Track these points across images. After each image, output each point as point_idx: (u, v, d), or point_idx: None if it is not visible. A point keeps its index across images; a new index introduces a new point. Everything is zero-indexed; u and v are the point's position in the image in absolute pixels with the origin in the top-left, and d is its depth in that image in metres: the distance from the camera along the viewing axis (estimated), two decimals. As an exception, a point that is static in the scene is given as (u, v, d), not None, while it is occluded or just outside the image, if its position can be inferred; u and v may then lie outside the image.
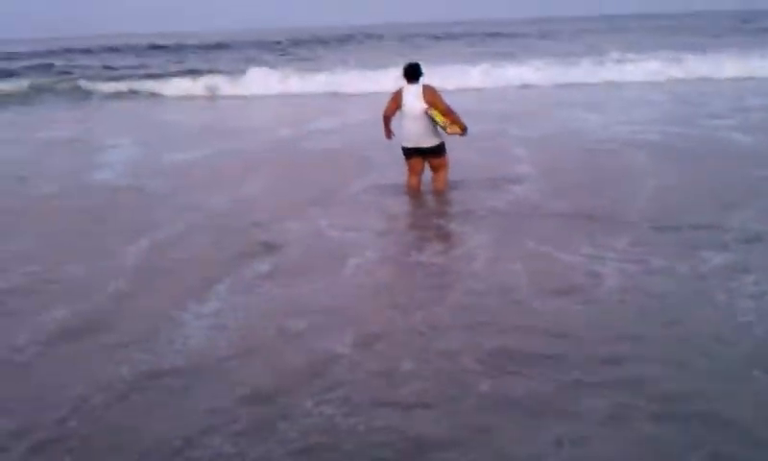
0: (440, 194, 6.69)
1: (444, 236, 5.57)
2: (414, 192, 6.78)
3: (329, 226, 5.75)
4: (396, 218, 6.22)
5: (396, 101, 6.59)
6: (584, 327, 3.64)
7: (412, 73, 6.54)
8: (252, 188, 7.31)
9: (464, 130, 6.54)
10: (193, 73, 20.59)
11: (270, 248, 5.16)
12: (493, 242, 5.14)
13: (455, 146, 6.91)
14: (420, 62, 6.66)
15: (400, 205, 6.58)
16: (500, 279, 4.38)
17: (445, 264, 4.83)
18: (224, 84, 18.18)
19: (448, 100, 6.59)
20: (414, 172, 6.77)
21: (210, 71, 21.03)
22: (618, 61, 18.65)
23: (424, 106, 6.40)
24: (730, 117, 10.60)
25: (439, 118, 6.40)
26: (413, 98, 6.45)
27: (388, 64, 16.79)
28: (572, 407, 2.87)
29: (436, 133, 6.52)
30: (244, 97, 17.25)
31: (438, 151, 6.63)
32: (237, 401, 3.02)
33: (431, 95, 6.45)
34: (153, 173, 8.23)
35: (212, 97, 17.51)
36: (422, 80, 6.59)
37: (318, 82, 17.70)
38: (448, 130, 6.44)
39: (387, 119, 6.76)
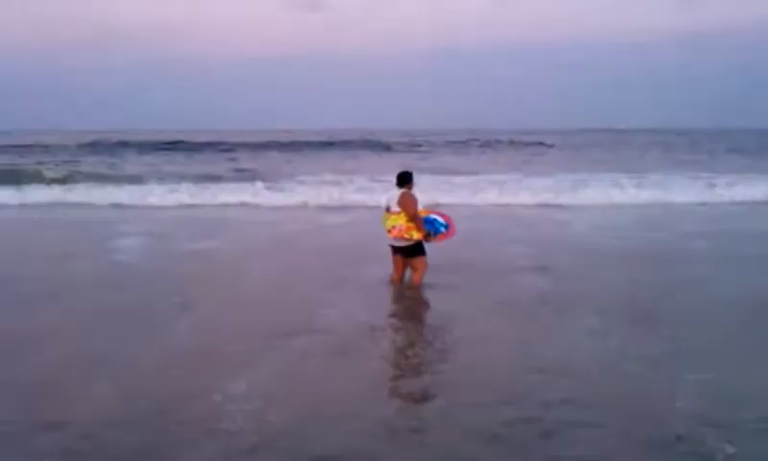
0: (413, 290, 7.36)
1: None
2: (394, 285, 7.52)
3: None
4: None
5: (388, 203, 7.39)
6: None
7: (398, 179, 7.41)
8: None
9: (426, 236, 7.29)
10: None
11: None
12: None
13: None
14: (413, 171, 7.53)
15: (374, 293, 7.32)
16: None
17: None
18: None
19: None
20: (396, 267, 7.56)
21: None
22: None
23: (397, 209, 7.21)
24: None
25: (391, 221, 7.19)
26: (393, 202, 7.30)
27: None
28: None
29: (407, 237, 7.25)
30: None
31: (410, 251, 7.35)
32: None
33: (404, 201, 7.19)
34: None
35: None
36: (414, 186, 7.39)
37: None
38: (394, 232, 7.18)
39: (384, 217, 7.49)
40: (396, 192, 7.33)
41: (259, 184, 18.12)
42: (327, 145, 42.96)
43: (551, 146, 45.51)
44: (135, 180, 19.87)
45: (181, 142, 43.05)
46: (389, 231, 7.31)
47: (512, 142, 48.92)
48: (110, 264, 8.98)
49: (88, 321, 6.29)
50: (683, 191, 16.83)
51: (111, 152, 36.62)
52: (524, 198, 16.05)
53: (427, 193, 12.73)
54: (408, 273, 7.54)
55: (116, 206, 15.69)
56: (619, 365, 5.02)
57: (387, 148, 42.06)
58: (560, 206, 15.17)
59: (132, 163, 28.68)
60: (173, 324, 6.13)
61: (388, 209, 7.35)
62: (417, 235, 7.25)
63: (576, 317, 6.30)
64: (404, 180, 7.38)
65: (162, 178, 20.52)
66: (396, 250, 7.45)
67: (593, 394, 4.47)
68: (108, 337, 5.80)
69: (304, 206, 15.24)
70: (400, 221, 7.21)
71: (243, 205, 15.63)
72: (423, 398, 4.50)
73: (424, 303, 7.05)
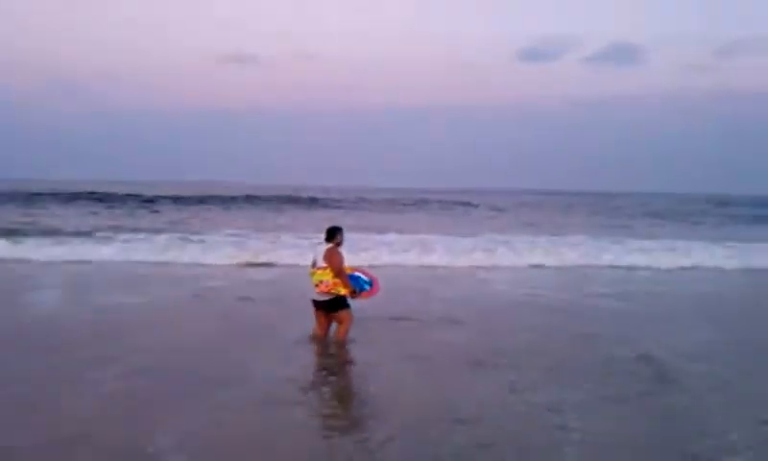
0: (338, 344, 7.50)
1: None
2: (316, 340, 7.63)
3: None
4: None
5: (315, 259, 7.55)
6: None
7: (326, 234, 7.57)
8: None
9: (351, 293, 7.44)
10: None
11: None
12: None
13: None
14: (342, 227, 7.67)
15: (298, 348, 7.45)
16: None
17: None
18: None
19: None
20: (319, 323, 7.66)
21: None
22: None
23: (323, 264, 7.37)
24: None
25: (317, 277, 7.35)
26: (319, 257, 7.46)
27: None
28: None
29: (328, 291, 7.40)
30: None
31: (331, 306, 7.44)
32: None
33: (329, 256, 7.32)
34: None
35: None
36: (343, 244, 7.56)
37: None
38: (321, 288, 7.30)
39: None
40: (324, 247, 7.50)
41: (177, 237, 17.87)
42: (254, 199, 42.70)
43: (476, 206, 47.11)
44: (51, 232, 19.06)
45: (94, 193, 41.49)
46: (316, 286, 7.44)
47: (440, 202, 50.23)
48: (23, 318, 8.66)
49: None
50: (601, 254, 17.56)
51: (27, 202, 34.90)
52: (447, 258, 16.51)
53: (353, 253, 12.94)
54: (333, 327, 7.68)
55: (23, 261, 14.71)
56: (524, 411, 5.43)
57: (313, 203, 42.31)
58: (481, 267, 15.72)
59: (49, 215, 27.43)
60: (96, 377, 6.03)
61: (314, 265, 7.52)
62: (343, 291, 7.41)
63: (491, 369, 6.68)
64: (332, 235, 7.53)
65: (79, 229, 19.83)
66: (318, 305, 7.54)
67: (504, 440, 4.81)
68: (33, 387, 5.69)
69: (230, 261, 15.10)
70: (326, 277, 7.36)
71: (164, 262, 15.18)
72: (341, 448, 4.66)
73: (347, 357, 7.21)
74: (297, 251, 15.46)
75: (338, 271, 7.35)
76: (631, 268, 16.21)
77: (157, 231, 19.95)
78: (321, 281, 7.39)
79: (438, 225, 28.76)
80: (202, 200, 40.28)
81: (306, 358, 7.18)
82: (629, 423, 5.30)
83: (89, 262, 14.54)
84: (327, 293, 7.40)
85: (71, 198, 37.82)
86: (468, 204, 48.98)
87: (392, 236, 20.18)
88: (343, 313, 7.56)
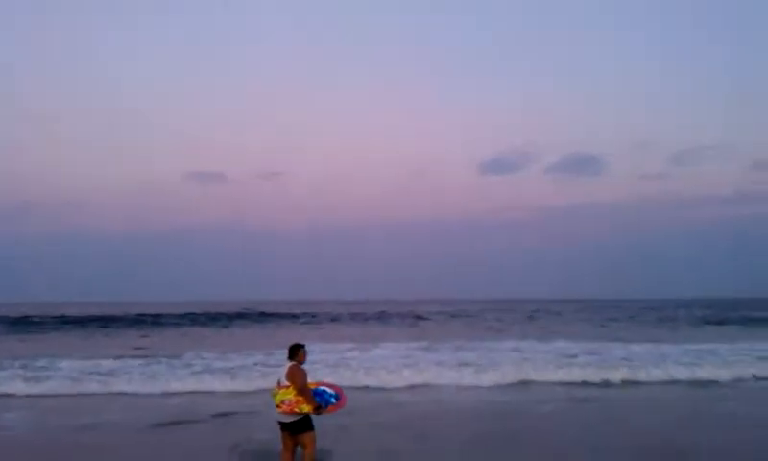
0: None
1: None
2: None
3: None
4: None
5: (279, 379, 7.17)
6: None
7: (289, 352, 7.26)
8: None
9: (316, 409, 7.04)
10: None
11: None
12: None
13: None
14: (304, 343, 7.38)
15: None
16: None
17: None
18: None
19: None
20: (285, 446, 7.15)
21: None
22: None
23: (286, 383, 7.00)
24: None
25: (280, 396, 6.94)
26: (282, 375, 7.10)
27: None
28: None
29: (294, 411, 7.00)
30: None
31: (297, 427, 7.03)
32: None
33: (291, 374, 7.02)
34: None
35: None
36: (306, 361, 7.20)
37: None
38: (284, 407, 6.89)
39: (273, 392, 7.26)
40: (287, 365, 7.19)
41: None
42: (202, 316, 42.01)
43: (426, 319, 46.23)
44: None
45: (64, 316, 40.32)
46: (278, 406, 7.03)
47: (383, 313, 49.77)
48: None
49: None
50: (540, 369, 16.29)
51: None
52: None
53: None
54: (300, 451, 7.21)
55: None
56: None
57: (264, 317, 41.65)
58: (425, 385, 14.81)
59: None
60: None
61: (279, 384, 7.16)
62: (306, 408, 7.02)
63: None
64: (294, 352, 7.26)
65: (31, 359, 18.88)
66: (283, 427, 7.12)
67: None
68: None
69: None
70: (289, 395, 6.99)
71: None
72: None
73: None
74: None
75: (301, 387, 7.01)
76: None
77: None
78: (283, 401, 6.99)
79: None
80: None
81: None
82: None
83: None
84: (293, 412, 7.00)
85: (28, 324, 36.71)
86: (418, 316, 47.74)
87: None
88: (307, 436, 7.10)
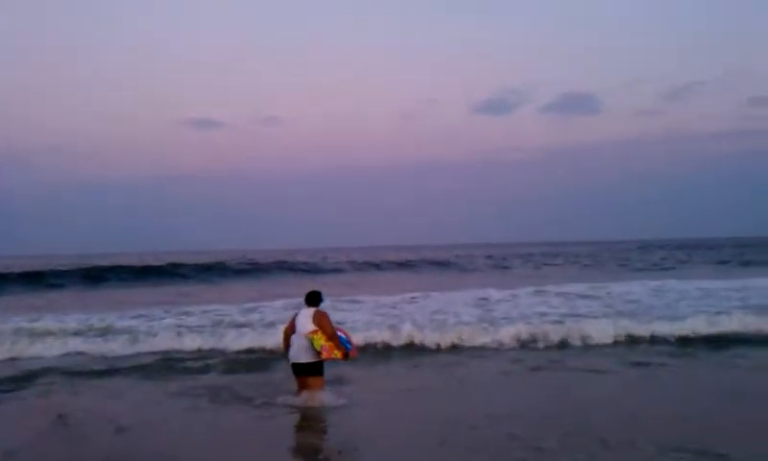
0: (311, 406, 7.27)
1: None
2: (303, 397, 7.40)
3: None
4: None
5: (292, 322, 7.51)
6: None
7: (310, 298, 7.54)
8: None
9: (345, 356, 7.34)
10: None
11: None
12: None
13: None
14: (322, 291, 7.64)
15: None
16: None
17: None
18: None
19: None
20: (299, 385, 7.50)
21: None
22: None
23: (311, 327, 7.24)
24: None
25: (317, 342, 7.16)
26: (304, 319, 7.33)
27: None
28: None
29: (313, 354, 7.27)
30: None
31: (312, 369, 7.32)
32: None
33: (320, 319, 7.27)
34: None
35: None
36: (322, 306, 7.55)
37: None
38: (324, 354, 7.15)
39: (285, 334, 7.61)
40: (308, 311, 7.42)
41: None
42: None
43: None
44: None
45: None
46: (319, 353, 7.23)
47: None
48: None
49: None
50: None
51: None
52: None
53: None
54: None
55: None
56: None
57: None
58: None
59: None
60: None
61: (292, 329, 7.41)
62: (338, 354, 7.31)
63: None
64: (315, 299, 7.52)
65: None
66: (298, 369, 7.42)
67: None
68: None
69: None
70: (323, 341, 7.20)
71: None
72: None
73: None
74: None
75: (331, 333, 7.32)
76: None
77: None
78: (322, 347, 7.23)
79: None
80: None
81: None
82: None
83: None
84: (330, 358, 7.29)
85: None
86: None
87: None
88: (317, 378, 7.42)
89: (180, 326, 13.67)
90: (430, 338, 11.82)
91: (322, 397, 7.39)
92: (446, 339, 11.77)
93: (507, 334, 11.95)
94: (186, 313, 15.61)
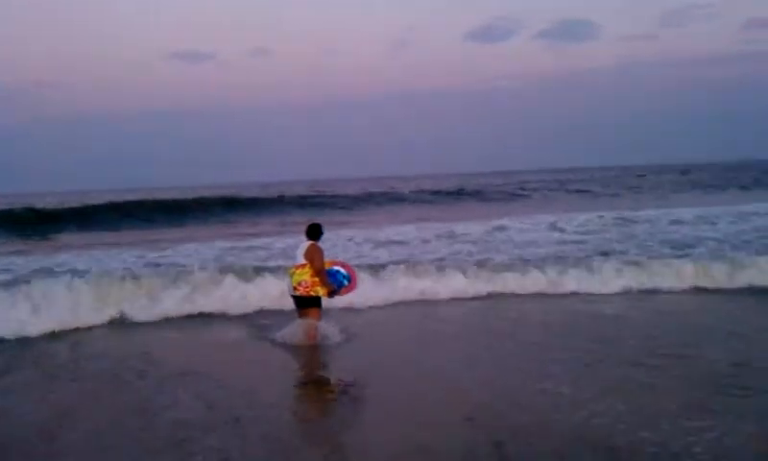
0: (311, 343, 7.17)
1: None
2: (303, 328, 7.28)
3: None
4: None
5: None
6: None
7: (308, 231, 7.39)
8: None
9: (332, 293, 7.23)
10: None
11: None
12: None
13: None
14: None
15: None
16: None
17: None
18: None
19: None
20: (300, 314, 7.36)
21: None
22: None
23: (301, 261, 7.14)
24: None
25: (296, 277, 7.10)
26: (299, 252, 7.26)
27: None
28: None
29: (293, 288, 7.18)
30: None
31: (305, 301, 7.24)
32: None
33: (311, 253, 7.14)
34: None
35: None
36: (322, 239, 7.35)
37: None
38: (300, 289, 7.08)
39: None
40: (304, 245, 7.29)
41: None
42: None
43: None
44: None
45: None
46: (295, 289, 7.20)
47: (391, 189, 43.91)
48: None
49: None
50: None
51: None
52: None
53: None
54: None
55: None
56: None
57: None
58: None
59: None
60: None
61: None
62: (321, 291, 7.20)
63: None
64: (315, 232, 7.36)
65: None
66: (298, 302, 7.35)
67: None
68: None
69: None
70: (305, 276, 7.14)
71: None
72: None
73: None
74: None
75: (319, 269, 7.17)
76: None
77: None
78: (299, 283, 7.17)
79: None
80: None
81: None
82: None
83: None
84: (308, 295, 7.20)
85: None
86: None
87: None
88: (314, 311, 7.33)
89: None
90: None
91: (316, 329, 7.26)
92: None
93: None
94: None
